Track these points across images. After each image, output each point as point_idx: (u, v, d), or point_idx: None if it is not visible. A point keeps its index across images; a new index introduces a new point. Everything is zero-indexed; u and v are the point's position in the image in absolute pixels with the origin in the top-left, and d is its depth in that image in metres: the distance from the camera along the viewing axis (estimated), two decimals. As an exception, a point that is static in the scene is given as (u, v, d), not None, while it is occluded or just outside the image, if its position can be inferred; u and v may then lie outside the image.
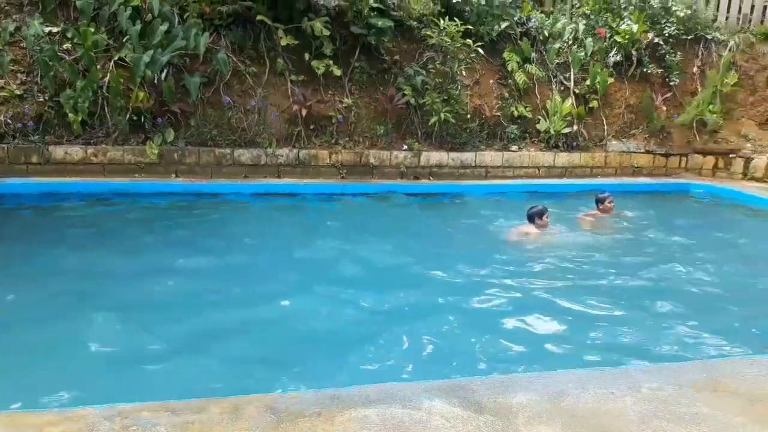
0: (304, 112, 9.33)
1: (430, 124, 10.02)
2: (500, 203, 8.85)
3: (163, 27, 8.73)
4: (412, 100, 9.95)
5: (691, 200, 10.10)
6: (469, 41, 10.33)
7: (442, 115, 9.87)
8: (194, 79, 8.89)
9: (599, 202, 7.66)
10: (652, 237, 7.16)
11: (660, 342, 4.01)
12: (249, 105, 9.33)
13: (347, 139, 9.85)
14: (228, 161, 9.08)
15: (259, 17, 9.28)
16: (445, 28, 10.15)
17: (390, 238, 6.76)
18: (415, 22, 10.47)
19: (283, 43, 9.36)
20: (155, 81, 8.72)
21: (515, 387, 2.69)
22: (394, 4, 10.15)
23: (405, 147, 9.99)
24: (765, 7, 12.29)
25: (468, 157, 10.28)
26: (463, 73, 10.58)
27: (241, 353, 3.71)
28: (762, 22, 12.32)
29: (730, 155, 11.26)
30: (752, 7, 12.40)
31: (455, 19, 10.27)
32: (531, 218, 6.74)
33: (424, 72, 10.11)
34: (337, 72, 9.63)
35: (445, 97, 10.15)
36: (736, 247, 6.93)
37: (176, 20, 9.12)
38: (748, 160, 11.02)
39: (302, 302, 4.56)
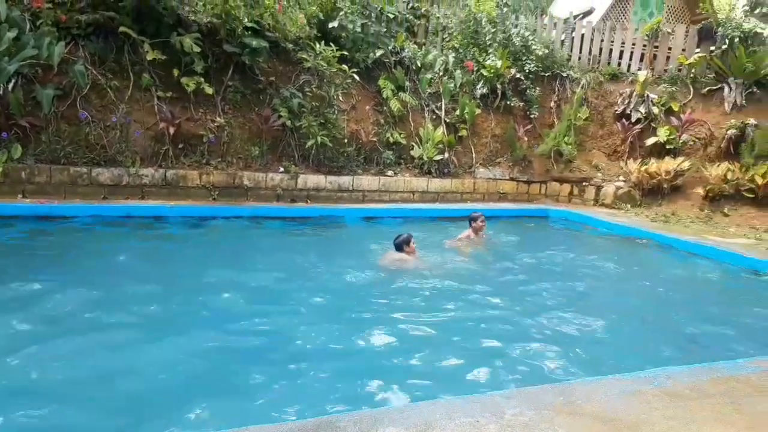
0: (172, 130, 8.86)
1: (307, 146, 9.95)
2: (377, 227, 8.92)
3: (11, 33, 7.92)
4: (289, 122, 9.83)
5: (551, 224, 10.83)
6: (344, 67, 10.45)
7: (319, 139, 9.85)
8: (47, 91, 8.14)
9: (472, 220, 8.01)
10: (517, 260, 7.53)
11: (526, 363, 4.14)
12: (110, 121, 8.70)
13: (220, 159, 9.48)
14: (84, 181, 8.37)
15: (122, 29, 8.73)
16: (321, 52, 10.18)
17: (260, 264, 6.52)
18: (291, 45, 10.41)
19: (150, 57, 8.87)
20: (1, 92, 7.87)
21: (383, 421, 2.64)
22: (269, 24, 10.01)
23: (281, 169, 9.82)
24: (611, 50, 13.66)
25: (345, 180, 10.32)
26: (340, 97, 10.66)
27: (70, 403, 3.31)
28: (609, 62, 13.68)
29: (583, 183, 12.29)
30: (600, 49, 13.74)
31: (331, 44, 10.35)
32: (399, 247, 6.76)
33: (300, 94, 10.05)
34: (209, 90, 9.28)
35: (322, 121, 10.15)
36: (591, 267, 7.49)
37: (27, 27, 8.35)
38: (598, 188, 12.09)
39: (147, 343, 4.15)
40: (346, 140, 10.58)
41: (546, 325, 5.05)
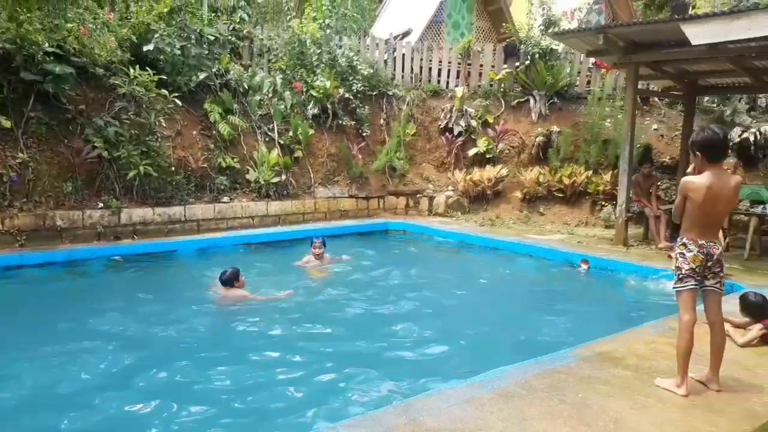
0: (-39, 171, 7.71)
1: (128, 178, 9.21)
2: (215, 258, 8.47)
3: None
4: (105, 153, 9.03)
5: (391, 237, 11.15)
6: (165, 92, 9.87)
7: (142, 169, 9.17)
8: None
9: (311, 246, 8.00)
10: (360, 277, 7.61)
11: (369, 386, 4.10)
12: None
13: (25, 199, 8.42)
14: None
15: None
16: (136, 77, 9.51)
17: (80, 312, 5.83)
18: (102, 70, 9.60)
19: (-74, 89, 7.66)
20: None
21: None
22: (74, 49, 9.16)
23: (101, 204, 8.98)
24: (430, 68, 14.48)
25: (176, 211, 9.72)
26: (163, 123, 10.03)
27: None
28: (429, 80, 14.49)
29: (417, 195, 12.86)
30: (421, 67, 14.51)
31: (148, 68, 9.72)
32: (228, 283, 6.31)
33: (117, 123, 9.29)
34: (7, 123, 8.25)
35: (144, 149, 9.46)
36: (429, 277, 7.79)
37: None
38: (431, 199, 12.71)
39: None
40: (173, 168, 9.97)
41: (388, 341, 5.10)
